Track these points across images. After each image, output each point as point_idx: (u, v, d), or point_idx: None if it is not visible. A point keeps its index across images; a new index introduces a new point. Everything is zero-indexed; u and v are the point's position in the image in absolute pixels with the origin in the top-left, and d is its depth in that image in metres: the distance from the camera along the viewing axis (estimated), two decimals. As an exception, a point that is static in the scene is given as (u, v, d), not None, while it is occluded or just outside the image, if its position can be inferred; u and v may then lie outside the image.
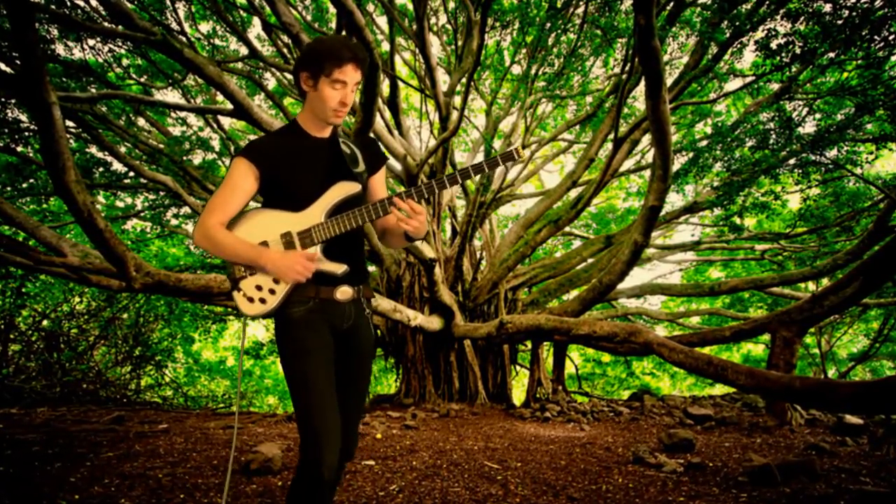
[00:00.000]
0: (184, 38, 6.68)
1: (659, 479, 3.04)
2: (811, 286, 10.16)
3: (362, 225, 1.59)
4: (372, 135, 6.93)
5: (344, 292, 1.62)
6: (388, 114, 8.61)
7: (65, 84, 6.70)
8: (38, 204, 8.33)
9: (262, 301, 1.57)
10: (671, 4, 5.68)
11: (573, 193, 8.83)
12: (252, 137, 11.42)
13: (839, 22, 4.11)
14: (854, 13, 4.06)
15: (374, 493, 2.77)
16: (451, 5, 7.90)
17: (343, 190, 1.59)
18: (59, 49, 6.83)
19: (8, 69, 4.70)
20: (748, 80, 6.52)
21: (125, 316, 9.16)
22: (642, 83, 5.00)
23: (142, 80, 8.28)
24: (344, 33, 4.54)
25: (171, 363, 10.53)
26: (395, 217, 1.55)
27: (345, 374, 1.68)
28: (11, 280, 7.06)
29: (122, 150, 8.04)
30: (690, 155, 6.32)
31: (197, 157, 8.75)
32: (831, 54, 4.61)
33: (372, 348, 1.76)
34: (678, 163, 6.54)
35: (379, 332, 8.42)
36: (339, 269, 1.59)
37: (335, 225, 1.55)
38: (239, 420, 5.08)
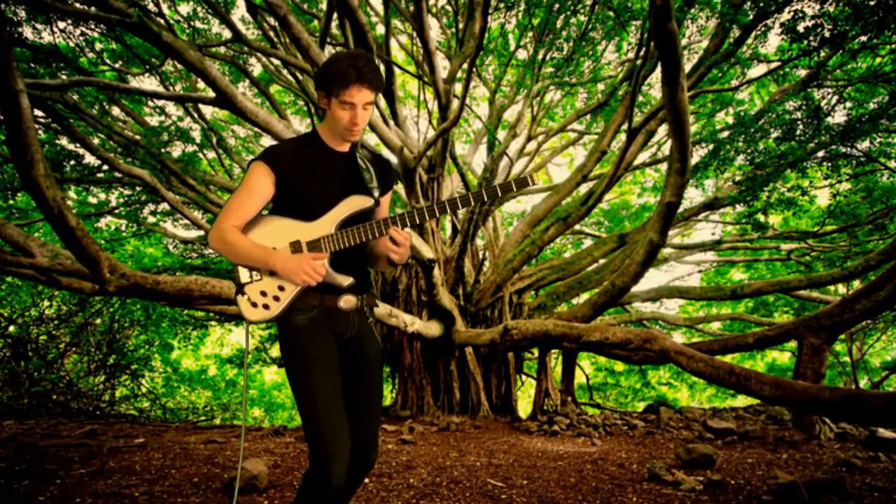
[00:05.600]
0: (162, 21, 6.69)
1: (676, 497, 3.04)
2: (841, 289, 10.17)
3: (369, 241, 1.71)
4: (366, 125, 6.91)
5: (347, 301, 1.74)
6: (382, 102, 8.61)
7: (33, 70, 6.70)
8: (5, 200, 8.34)
9: (266, 307, 1.68)
10: (690, -16, 5.68)
11: (583, 189, 8.83)
12: (236, 128, 11.47)
13: (871, 3, 4.11)
14: (888, -7, 4.06)
15: (367, 513, 2.78)
16: (452, -15, 7.90)
17: (356, 203, 1.72)
18: (27, 32, 6.84)
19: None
20: (773, 65, 6.52)
21: (98, 321, 9.16)
22: (658, 69, 4.99)
23: (116, 65, 8.27)
24: (335, 14, 4.55)
25: (149, 372, 10.54)
26: (384, 240, 1.71)
27: (355, 383, 1.78)
28: (-25, 282, 7.07)
29: (96, 141, 8.04)
30: (710, 147, 6.32)
31: (176, 150, 8.74)
32: (863, 38, 4.60)
33: (379, 356, 1.87)
34: (697, 155, 6.55)
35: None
36: (345, 281, 1.71)
37: (344, 237, 1.67)
38: (222, 434, 5.09)
